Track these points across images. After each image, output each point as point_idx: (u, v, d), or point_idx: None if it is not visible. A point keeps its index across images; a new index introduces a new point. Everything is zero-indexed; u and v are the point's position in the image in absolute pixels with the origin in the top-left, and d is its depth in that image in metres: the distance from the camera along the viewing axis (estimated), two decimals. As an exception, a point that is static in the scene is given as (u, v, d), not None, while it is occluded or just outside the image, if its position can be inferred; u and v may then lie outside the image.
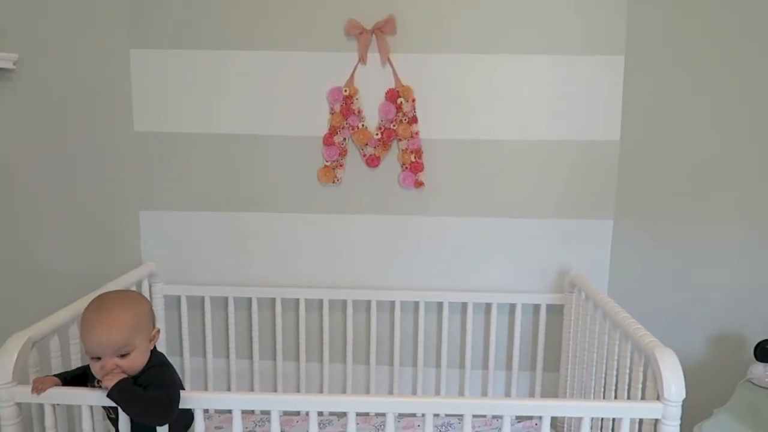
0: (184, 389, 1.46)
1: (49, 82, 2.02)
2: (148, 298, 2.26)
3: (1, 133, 1.91)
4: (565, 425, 2.24)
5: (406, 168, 2.25)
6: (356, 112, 2.23)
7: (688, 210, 2.25)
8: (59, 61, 2.05)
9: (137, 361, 1.42)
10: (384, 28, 2.18)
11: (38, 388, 1.41)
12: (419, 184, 2.26)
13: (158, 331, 1.52)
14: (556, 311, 2.31)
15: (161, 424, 1.42)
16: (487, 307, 2.33)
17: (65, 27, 2.06)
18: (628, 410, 1.46)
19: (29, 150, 1.99)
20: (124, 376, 1.39)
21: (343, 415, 1.51)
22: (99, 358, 1.39)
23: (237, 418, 1.46)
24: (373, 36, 2.19)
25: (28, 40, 1.95)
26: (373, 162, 2.25)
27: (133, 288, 2.11)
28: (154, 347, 1.51)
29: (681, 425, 1.42)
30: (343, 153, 2.26)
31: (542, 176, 2.26)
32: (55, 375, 1.51)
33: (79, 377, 1.53)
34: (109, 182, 2.25)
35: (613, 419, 1.56)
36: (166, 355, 2.29)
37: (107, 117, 2.23)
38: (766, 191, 2.21)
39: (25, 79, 1.94)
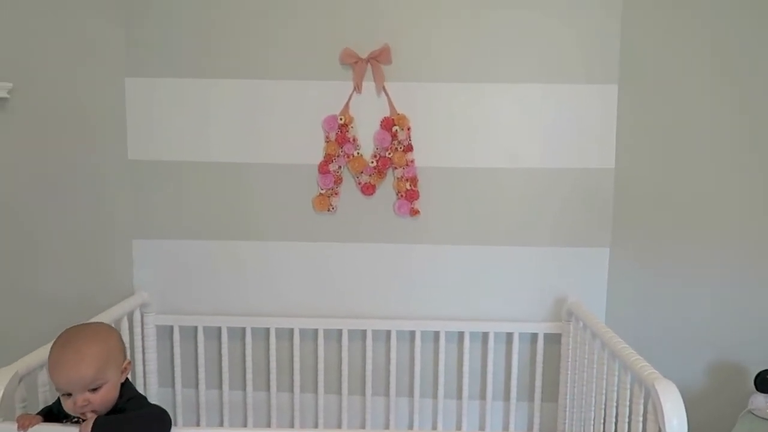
0: None
1: (44, 110, 2.02)
2: (140, 329, 2.23)
3: (-5, 162, 1.91)
4: (565, 457, 2.20)
5: (402, 196, 2.24)
6: (351, 140, 2.23)
7: (686, 237, 2.24)
8: (54, 90, 2.06)
9: (109, 394, 1.39)
10: (379, 57, 2.20)
11: (24, 425, 1.37)
12: (415, 212, 2.25)
13: (129, 362, 1.48)
14: (553, 340, 2.28)
15: None
16: (484, 336, 2.30)
17: (60, 56, 2.07)
18: (629, 445, 1.44)
19: (23, 178, 1.98)
20: (95, 416, 1.35)
21: (338, 450, 1.48)
22: (70, 395, 1.35)
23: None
24: (368, 65, 2.21)
25: (23, 69, 1.95)
26: (368, 190, 2.25)
27: (124, 319, 2.08)
28: (126, 379, 1.48)
29: (683, 459, 1.39)
30: (339, 181, 2.25)
31: (538, 204, 2.26)
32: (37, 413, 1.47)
33: (46, 417, 1.47)
34: (103, 210, 2.24)
35: (614, 453, 1.54)
36: (156, 386, 2.27)
37: (101, 145, 2.22)
38: (765, 218, 2.21)
39: (20, 107, 1.94)
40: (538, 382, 2.28)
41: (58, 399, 1.44)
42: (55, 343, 1.41)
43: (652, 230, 2.25)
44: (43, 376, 1.58)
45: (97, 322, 1.55)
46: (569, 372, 2.19)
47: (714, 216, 2.23)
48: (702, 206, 2.23)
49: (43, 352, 1.58)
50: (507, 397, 2.32)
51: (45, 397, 1.58)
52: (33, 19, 1.98)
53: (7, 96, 1.88)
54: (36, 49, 2.00)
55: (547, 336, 2.27)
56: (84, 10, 2.13)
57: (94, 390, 1.36)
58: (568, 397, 2.19)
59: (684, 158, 2.21)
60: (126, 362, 1.47)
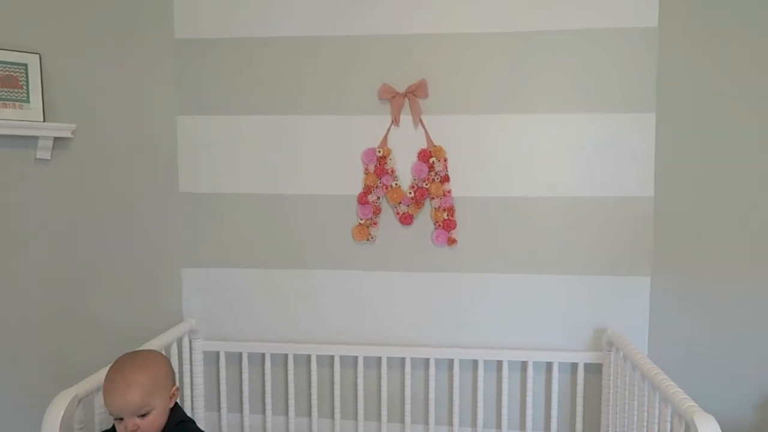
0: None
1: (103, 148, 2.18)
2: (189, 354, 2.33)
3: (60, 196, 2.06)
4: (608, 491, 2.16)
5: (439, 225, 2.29)
6: (390, 171, 2.29)
7: (729, 267, 2.20)
8: (113, 129, 2.21)
9: (157, 420, 1.48)
10: (416, 92, 2.27)
11: (81, 446, 1.47)
12: (452, 242, 2.29)
13: (177, 388, 1.56)
14: (594, 370, 2.26)
15: None
16: (523, 365, 2.30)
17: (118, 97, 2.22)
18: (668, 479, 1.41)
19: (82, 211, 2.13)
20: None
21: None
22: (122, 419, 1.45)
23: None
24: (405, 99, 2.28)
25: (85, 111, 2.11)
26: (406, 220, 2.30)
27: (173, 345, 2.18)
28: (176, 404, 1.56)
29: (726, 497, 1.36)
30: (377, 211, 2.32)
31: (576, 232, 2.26)
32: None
33: None
34: (155, 241, 2.36)
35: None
36: (203, 410, 2.34)
37: (155, 179, 2.36)
38: (811, 247, 2.15)
39: (81, 146, 2.10)
40: (579, 413, 2.26)
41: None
42: (109, 370, 1.51)
43: (694, 259, 2.21)
44: (100, 399, 1.68)
45: (148, 350, 1.64)
46: (611, 403, 2.16)
47: (759, 245, 2.18)
48: (745, 235, 2.18)
49: (100, 376, 1.68)
50: (548, 428, 2.30)
51: (101, 419, 1.67)
52: (94, 66, 2.14)
53: (71, 136, 2.04)
54: (97, 93, 2.16)
55: (587, 366, 2.26)
56: (139, 56, 2.28)
57: (143, 415, 1.45)
58: (610, 428, 2.16)
59: (725, 186, 2.19)
60: (174, 388, 1.55)
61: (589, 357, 2.24)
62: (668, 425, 1.64)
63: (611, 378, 2.16)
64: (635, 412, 1.90)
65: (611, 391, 2.16)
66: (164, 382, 1.52)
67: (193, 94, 2.38)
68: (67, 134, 2.02)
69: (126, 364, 1.51)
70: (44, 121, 1.96)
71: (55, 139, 2.01)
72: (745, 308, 2.19)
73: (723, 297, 2.20)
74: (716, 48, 2.15)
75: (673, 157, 2.20)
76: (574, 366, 2.27)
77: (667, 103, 2.19)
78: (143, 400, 1.44)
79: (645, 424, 1.82)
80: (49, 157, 2.00)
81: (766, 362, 2.18)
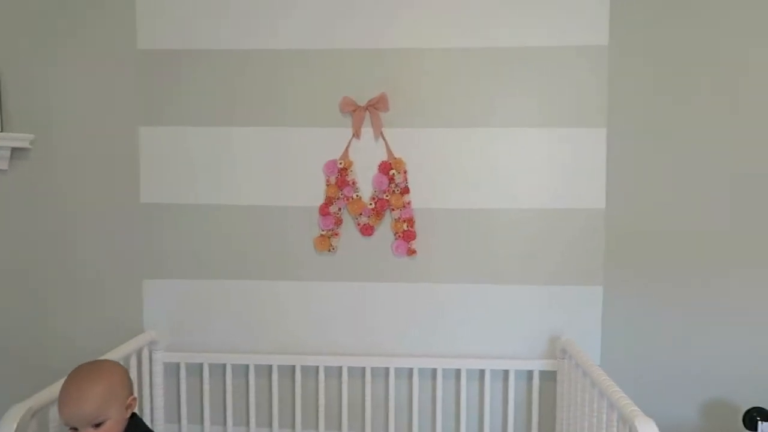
0: None
1: (62, 158, 2.17)
2: (149, 366, 2.32)
3: (18, 206, 2.04)
4: (562, 495, 2.22)
5: (399, 236, 2.33)
6: (351, 183, 2.33)
7: (678, 275, 2.29)
8: (72, 140, 2.20)
9: (113, 430, 1.48)
10: (377, 105, 2.32)
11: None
12: (412, 252, 2.33)
13: (134, 398, 1.57)
14: (549, 377, 2.33)
15: None
16: (481, 373, 2.35)
17: (78, 108, 2.22)
18: (611, 481, 1.48)
19: (41, 221, 2.11)
20: None
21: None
22: (77, 429, 1.45)
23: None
24: (366, 112, 2.33)
25: (43, 121, 2.10)
26: (367, 231, 2.34)
27: (133, 356, 2.17)
28: (134, 414, 1.56)
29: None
30: (339, 222, 2.35)
31: (532, 244, 2.33)
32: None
33: None
34: (115, 251, 2.35)
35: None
36: (163, 422, 2.33)
37: (115, 190, 2.35)
38: (756, 253, 2.26)
39: (39, 156, 2.09)
40: (535, 420, 2.32)
41: None
42: (64, 380, 1.50)
43: (644, 269, 2.30)
44: (55, 412, 1.67)
45: (104, 360, 1.64)
46: (565, 410, 2.22)
47: (705, 253, 2.28)
48: (692, 244, 2.29)
49: (55, 388, 1.67)
50: (505, 434, 2.36)
51: (55, 432, 1.66)
52: (54, 76, 2.14)
53: (29, 146, 2.03)
54: (57, 103, 2.15)
55: (542, 373, 2.32)
56: (101, 66, 2.28)
57: (98, 425, 1.45)
58: (563, 434, 2.22)
59: (673, 198, 2.28)
60: (131, 398, 1.55)
61: (544, 365, 2.31)
62: (615, 430, 1.71)
63: (565, 385, 2.23)
64: (586, 418, 1.97)
65: (565, 397, 2.23)
66: (120, 391, 1.52)
67: (155, 105, 2.38)
68: (26, 144, 2.02)
69: (80, 373, 1.51)
70: (2, 131, 1.95)
71: (13, 149, 2.00)
72: (694, 316, 2.29)
73: (672, 305, 2.30)
74: (664, 66, 2.26)
75: (624, 170, 2.29)
76: (529, 373, 2.34)
77: (617, 119, 2.29)
78: (98, 410, 1.44)
79: (595, 429, 1.89)
80: (6, 168, 1.99)
81: (713, 368, 2.28)
